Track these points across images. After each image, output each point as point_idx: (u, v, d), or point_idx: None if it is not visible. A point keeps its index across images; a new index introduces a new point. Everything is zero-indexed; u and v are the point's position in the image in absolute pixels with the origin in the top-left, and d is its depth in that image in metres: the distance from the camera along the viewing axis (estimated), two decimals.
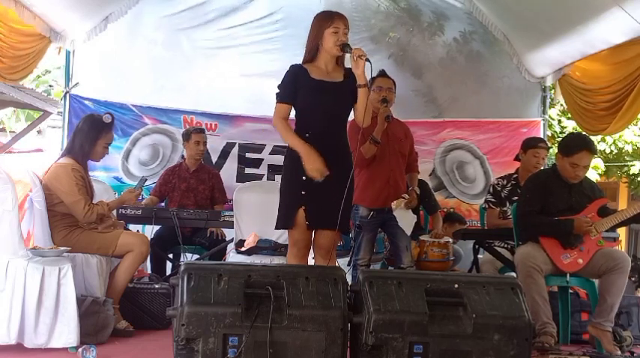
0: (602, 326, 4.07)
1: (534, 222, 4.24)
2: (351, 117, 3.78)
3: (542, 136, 6.60)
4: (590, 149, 4.24)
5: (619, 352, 4.09)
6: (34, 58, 5.48)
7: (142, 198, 5.81)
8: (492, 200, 5.18)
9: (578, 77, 6.12)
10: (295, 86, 3.65)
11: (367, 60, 3.56)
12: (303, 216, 3.58)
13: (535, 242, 4.20)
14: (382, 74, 4.69)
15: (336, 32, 3.61)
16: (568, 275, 4.18)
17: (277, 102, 3.68)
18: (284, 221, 3.67)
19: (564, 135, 9.30)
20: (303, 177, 3.56)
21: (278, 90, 3.69)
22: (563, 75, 6.29)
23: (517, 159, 5.25)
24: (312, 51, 3.69)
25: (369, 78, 3.67)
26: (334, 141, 3.66)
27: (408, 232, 4.63)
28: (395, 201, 4.58)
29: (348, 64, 3.72)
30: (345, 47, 3.60)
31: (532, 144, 5.13)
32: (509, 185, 5.16)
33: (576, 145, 4.21)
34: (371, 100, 4.23)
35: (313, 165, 3.52)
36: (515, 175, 5.19)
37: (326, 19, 3.65)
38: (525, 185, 4.54)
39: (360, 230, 4.64)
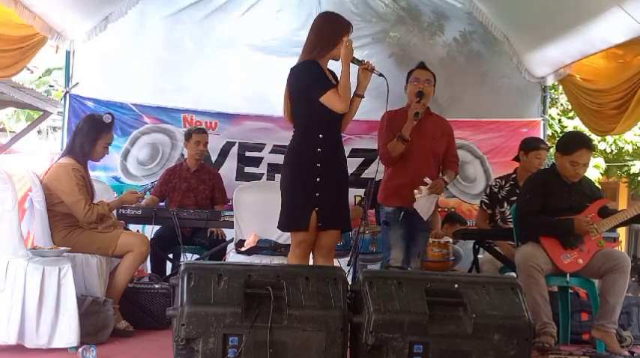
0: (605, 328, 4.05)
1: (534, 221, 4.24)
2: (385, 110, 3.85)
3: (542, 136, 6.60)
4: (589, 146, 4.26)
5: (626, 353, 4.07)
6: (25, 55, 5.38)
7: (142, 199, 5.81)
8: (486, 201, 5.19)
9: (583, 77, 6.08)
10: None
11: (381, 75, 3.69)
12: (316, 217, 3.58)
13: (535, 242, 4.20)
14: (421, 66, 4.46)
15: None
16: (568, 275, 4.17)
17: (325, 91, 3.54)
18: (296, 222, 3.64)
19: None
20: (318, 179, 3.58)
21: (311, 87, 3.58)
22: (568, 75, 6.25)
23: (516, 159, 5.24)
24: (325, 50, 3.65)
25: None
26: (337, 142, 3.72)
27: (425, 218, 4.25)
28: (416, 189, 4.17)
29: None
30: (353, 58, 3.64)
31: (534, 146, 5.10)
32: (507, 185, 5.15)
33: (575, 143, 4.21)
34: (407, 93, 4.30)
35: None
36: (513, 175, 5.18)
37: (346, 27, 3.69)
38: (525, 185, 4.54)
39: (388, 226, 4.30)
